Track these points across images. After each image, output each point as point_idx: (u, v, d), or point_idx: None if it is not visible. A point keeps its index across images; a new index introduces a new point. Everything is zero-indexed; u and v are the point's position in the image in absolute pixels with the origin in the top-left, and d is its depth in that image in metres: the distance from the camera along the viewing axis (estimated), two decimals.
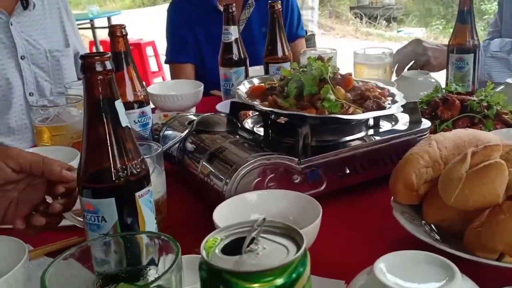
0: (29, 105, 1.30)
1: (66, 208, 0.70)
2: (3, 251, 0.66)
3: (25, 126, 1.55)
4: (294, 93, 0.95)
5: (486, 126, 1.08)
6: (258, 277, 0.34)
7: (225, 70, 1.44)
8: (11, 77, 1.50)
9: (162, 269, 0.48)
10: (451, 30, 1.42)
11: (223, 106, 1.33)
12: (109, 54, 0.60)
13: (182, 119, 1.09)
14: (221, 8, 1.43)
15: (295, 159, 0.86)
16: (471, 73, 1.38)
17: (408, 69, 1.60)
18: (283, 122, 0.99)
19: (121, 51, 1.00)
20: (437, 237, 0.73)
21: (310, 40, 2.81)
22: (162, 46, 2.51)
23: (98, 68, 0.58)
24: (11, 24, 1.49)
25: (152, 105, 1.27)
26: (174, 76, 1.99)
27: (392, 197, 0.80)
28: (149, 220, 0.63)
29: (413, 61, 1.60)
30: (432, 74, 1.49)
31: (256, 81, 1.09)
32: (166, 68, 2.09)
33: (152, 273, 0.49)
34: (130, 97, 1.02)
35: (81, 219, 0.70)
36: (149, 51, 5.51)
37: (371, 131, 0.99)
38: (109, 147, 0.59)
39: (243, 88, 1.04)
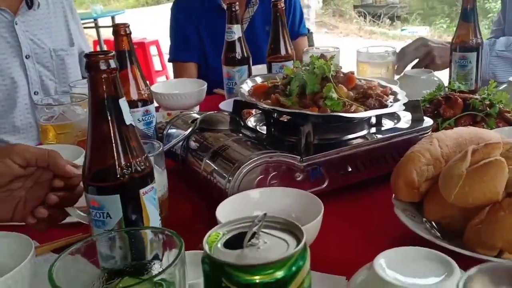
0: (34, 103, 1.32)
1: (68, 202, 0.71)
2: (10, 247, 0.67)
3: (30, 125, 1.56)
4: (297, 92, 0.96)
5: (488, 125, 1.08)
6: (259, 270, 0.35)
7: (228, 69, 1.44)
8: (16, 76, 1.51)
9: (166, 264, 0.49)
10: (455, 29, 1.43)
11: (226, 105, 1.33)
12: (113, 52, 0.61)
13: (185, 118, 1.10)
14: (225, 7, 1.44)
15: (297, 157, 0.87)
16: (474, 71, 1.39)
17: (412, 68, 1.60)
18: (285, 120, 0.99)
19: (125, 50, 1.01)
20: (438, 234, 0.74)
21: (308, 38, 2.83)
22: (166, 45, 2.52)
23: (102, 66, 0.59)
24: (16, 24, 1.51)
25: (155, 104, 1.28)
26: (177, 74, 2.00)
27: (393, 195, 0.80)
28: (153, 217, 0.64)
29: (417, 60, 1.60)
30: (435, 73, 1.49)
31: (259, 80, 1.09)
32: (170, 67, 2.10)
33: (156, 268, 0.50)
34: (134, 96, 1.03)
35: (86, 216, 0.71)
36: (153, 50, 5.53)
37: (373, 129, 0.99)
38: (114, 144, 0.60)
39: (246, 86, 1.05)
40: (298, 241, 0.38)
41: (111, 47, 0.88)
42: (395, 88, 1.04)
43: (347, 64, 1.24)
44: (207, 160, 0.91)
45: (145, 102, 1.05)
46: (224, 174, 0.85)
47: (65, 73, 1.62)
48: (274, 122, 1.00)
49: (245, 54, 1.44)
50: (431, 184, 0.78)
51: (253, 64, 1.48)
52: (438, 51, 1.56)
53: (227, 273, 0.35)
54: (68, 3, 1.69)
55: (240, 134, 0.98)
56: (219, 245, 0.39)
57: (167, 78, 5.25)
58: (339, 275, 0.68)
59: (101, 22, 6.06)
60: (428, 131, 0.99)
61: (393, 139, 0.96)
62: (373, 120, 1.01)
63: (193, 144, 0.99)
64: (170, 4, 2.07)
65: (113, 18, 6.12)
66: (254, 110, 1.10)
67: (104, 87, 0.59)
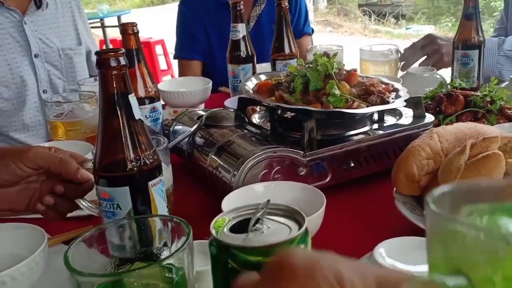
0: (43, 101, 1.34)
1: (77, 194, 0.74)
2: (24, 238, 0.70)
3: (39, 123, 1.59)
4: (300, 89, 0.98)
5: (489, 121, 1.10)
6: (262, 252, 0.37)
7: (233, 67, 1.47)
8: (25, 75, 1.54)
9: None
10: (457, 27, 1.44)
11: (231, 103, 1.36)
12: (123, 50, 0.63)
13: (191, 115, 1.12)
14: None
15: (301, 152, 0.89)
16: (476, 69, 1.40)
17: (420, 64, 1.60)
18: (289, 116, 1.02)
19: (132, 48, 1.03)
20: None
21: None
22: (171, 44, 2.54)
23: (113, 63, 0.62)
24: (25, 23, 1.54)
25: (162, 102, 1.30)
26: (181, 71, 2.02)
27: (394, 188, 0.82)
28: (161, 208, 0.67)
29: (425, 56, 1.60)
30: (441, 70, 1.50)
31: (263, 77, 1.11)
32: (175, 66, 2.13)
33: (165, 255, 0.53)
34: (141, 93, 1.05)
35: (95, 207, 0.73)
36: (158, 49, 5.56)
37: (375, 126, 1.01)
38: (124, 138, 0.63)
39: (251, 84, 1.07)
40: (300, 225, 0.41)
41: (117, 47, 0.90)
42: (397, 85, 1.06)
43: (351, 62, 1.26)
44: (212, 156, 0.93)
45: (152, 99, 1.07)
46: (229, 169, 0.87)
47: (73, 71, 1.65)
48: (278, 119, 1.02)
49: (250, 53, 1.46)
50: (431, 178, 0.80)
51: (259, 62, 1.50)
52: (447, 48, 1.55)
53: (232, 255, 0.38)
54: (76, 3, 1.72)
55: (245, 130, 1.00)
56: (225, 229, 0.41)
57: (172, 77, 5.28)
58: None
59: (107, 21, 6.10)
60: (430, 127, 1.01)
61: (395, 135, 0.98)
62: (375, 116, 1.03)
63: (199, 140, 1.01)
64: (175, 4, 2.10)
65: (119, 18, 6.16)
66: (258, 107, 1.12)
67: (114, 83, 0.62)
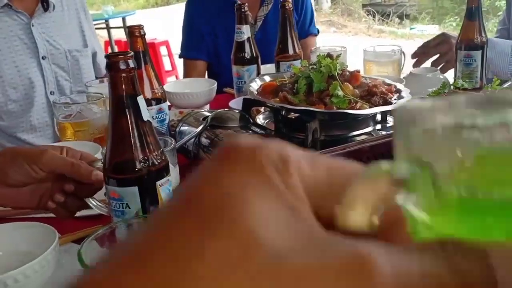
0: (52, 102, 1.37)
1: (86, 193, 0.76)
2: (36, 236, 0.72)
3: (46, 124, 1.61)
4: (304, 90, 0.99)
5: None
6: None
7: (238, 68, 1.48)
8: (33, 76, 1.57)
9: None
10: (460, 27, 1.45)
11: (236, 104, 1.37)
12: (132, 53, 0.65)
13: (197, 115, 1.14)
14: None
15: None
16: (479, 69, 1.41)
17: (432, 63, 1.59)
18: (293, 117, 1.03)
19: (139, 50, 1.05)
20: None
21: None
22: (176, 45, 2.56)
23: (122, 66, 0.63)
24: (33, 25, 1.56)
25: (168, 103, 1.32)
26: (186, 71, 2.02)
27: None
28: None
29: (437, 55, 1.59)
30: (450, 69, 1.50)
31: (267, 79, 1.13)
32: (180, 67, 2.14)
33: None
34: (148, 94, 1.07)
35: (104, 206, 0.75)
36: (163, 50, 5.58)
37: (378, 126, 1.03)
38: (133, 139, 0.64)
39: (255, 85, 1.09)
40: None
41: (122, 48, 0.92)
42: (400, 86, 1.07)
43: (355, 63, 1.28)
44: None
45: (159, 100, 1.09)
46: None
47: (79, 73, 1.67)
48: (282, 119, 1.03)
49: (254, 54, 1.47)
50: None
51: (267, 62, 1.51)
52: None
53: None
54: (82, 5, 1.74)
55: (250, 131, 1.02)
56: None
57: (177, 78, 5.30)
58: None
59: (112, 23, 6.12)
60: None
61: None
62: (378, 117, 1.04)
63: (204, 141, 1.03)
64: (179, 5, 2.12)
65: (124, 19, 6.17)
66: (263, 108, 1.14)
67: (124, 85, 0.64)
